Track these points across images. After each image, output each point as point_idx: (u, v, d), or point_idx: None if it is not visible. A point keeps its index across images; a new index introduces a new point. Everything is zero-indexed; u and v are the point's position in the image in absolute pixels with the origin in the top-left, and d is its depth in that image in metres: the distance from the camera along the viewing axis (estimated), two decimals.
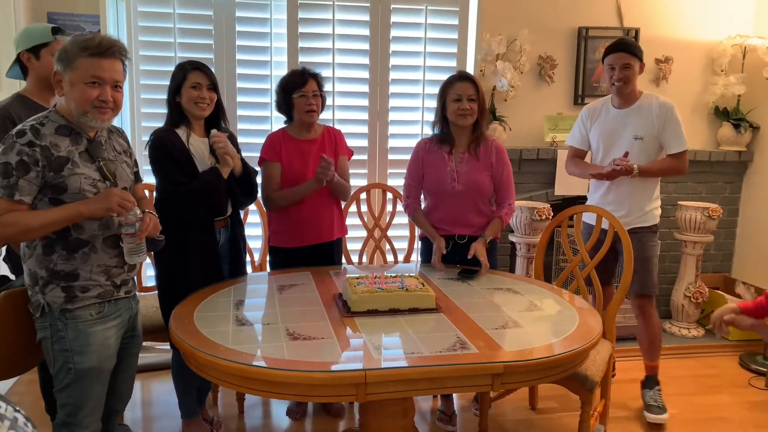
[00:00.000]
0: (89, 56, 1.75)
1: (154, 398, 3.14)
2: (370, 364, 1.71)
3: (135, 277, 2.03)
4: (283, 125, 2.79)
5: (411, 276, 2.32)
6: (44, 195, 1.76)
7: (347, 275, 2.36)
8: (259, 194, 2.72)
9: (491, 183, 2.74)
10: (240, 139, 3.40)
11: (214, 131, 2.36)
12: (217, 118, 2.44)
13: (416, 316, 2.09)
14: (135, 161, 2.06)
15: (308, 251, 2.73)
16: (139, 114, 3.40)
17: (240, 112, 3.48)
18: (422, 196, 2.88)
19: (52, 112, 1.83)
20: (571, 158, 3.11)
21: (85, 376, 1.84)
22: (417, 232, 3.36)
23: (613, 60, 2.84)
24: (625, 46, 2.84)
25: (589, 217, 2.99)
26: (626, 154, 2.80)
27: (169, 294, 2.35)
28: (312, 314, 2.10)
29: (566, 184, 3.81)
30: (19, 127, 1.76)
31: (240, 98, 3.47)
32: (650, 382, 3.01)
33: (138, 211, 1.82)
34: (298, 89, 2.62)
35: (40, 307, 1.81)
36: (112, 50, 1.78)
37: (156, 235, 1.94)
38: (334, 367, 1.69)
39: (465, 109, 2.63)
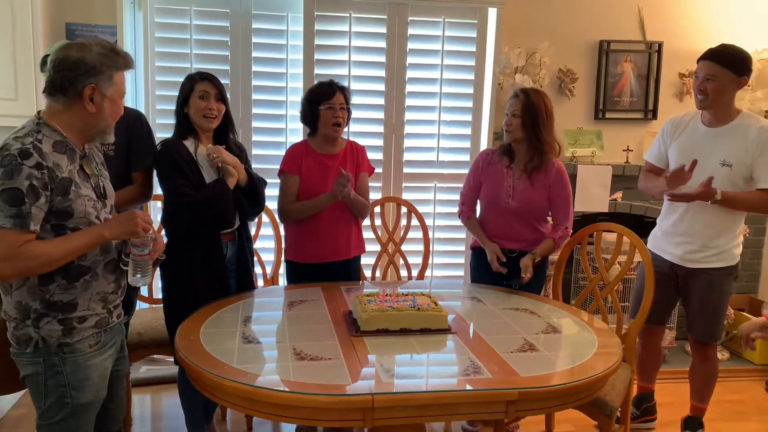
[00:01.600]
0: (121, 70, 1.68)
1: (163, 412, 3.10)
2: (378, 388, 1.65)
3: None
4: (306, 137, 2.75)
5: (423, 294, 2.25)
6: (47, 221, 1.59)
7: (357, 292, 2.30)
8: (275, 205, 2.69)
9: (547, 203, 2.68)
10: (255, 151, 3.41)
11: (209, 146, 2.33)
12: (225, 130, 2.41)
13: (428, 337, 2.02)
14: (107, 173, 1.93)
15: (324, 267, 2.68)
16: (154, 125, 3.39)
17: (255, 124, 3.46)
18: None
19: (43, 124, 1.62)
20: (644, 172, 2.79)
21: (82, 410, 1.71)
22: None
23: (698, 68, 2.48)
24: (714, 54, 2.43)
25: (655, 247, 2.74)
26: (710, 180, 2.40)
27: (174, 307, 2.32)
28: (320, 333, 2.04)
29: (586, 201, 3.72)
30: (16, 145, 1.54)
31: (255, 110, 3.45)
32: (694, 423, 2.79)
33: (151, 231, 1.73)
34: (326, 101, 2.58)
35: (32, 342, 1.64)
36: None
37: (160, 254, 1.86)
38: (339, 391, 1.63)
39: (507, 125, 2.62)
